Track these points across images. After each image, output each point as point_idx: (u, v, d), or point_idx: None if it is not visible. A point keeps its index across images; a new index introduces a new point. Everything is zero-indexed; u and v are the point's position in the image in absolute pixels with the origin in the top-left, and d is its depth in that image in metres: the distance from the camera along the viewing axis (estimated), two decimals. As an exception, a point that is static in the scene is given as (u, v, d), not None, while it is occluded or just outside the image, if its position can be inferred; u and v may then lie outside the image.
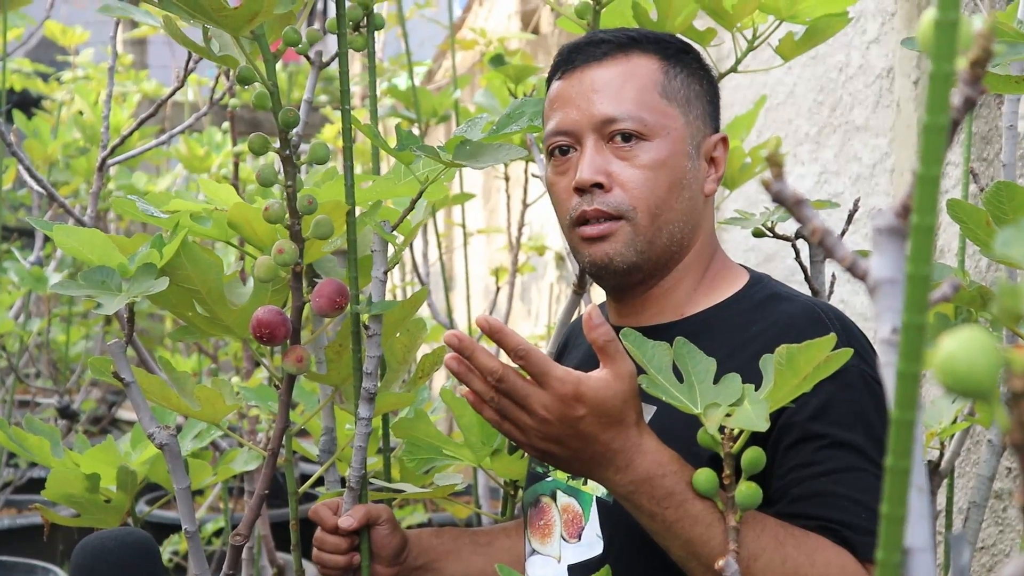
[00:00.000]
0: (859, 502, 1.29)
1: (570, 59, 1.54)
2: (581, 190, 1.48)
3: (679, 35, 1.71)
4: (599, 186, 1.47)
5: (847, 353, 1.14)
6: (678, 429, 1.36)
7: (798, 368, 1.13)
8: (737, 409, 1.16)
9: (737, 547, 1.16)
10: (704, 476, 1.19)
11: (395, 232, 1.52)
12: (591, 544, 1.48)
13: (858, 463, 1.31)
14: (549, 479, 1.57)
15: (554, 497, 1.55)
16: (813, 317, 1.41)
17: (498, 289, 3.91)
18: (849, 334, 1.39)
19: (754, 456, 1.16)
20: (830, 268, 1.92)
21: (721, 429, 1.16)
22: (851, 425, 1.32)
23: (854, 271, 0.59)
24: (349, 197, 1.46)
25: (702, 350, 1.44)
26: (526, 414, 1.26)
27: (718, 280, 1.54)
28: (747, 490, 1.16)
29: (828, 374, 1.15)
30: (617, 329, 1.57)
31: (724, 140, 1.55)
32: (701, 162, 1.52)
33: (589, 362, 1.59)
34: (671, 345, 1.47)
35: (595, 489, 1.48)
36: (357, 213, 1.49)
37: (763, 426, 1.12)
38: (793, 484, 1.31)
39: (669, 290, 1.53)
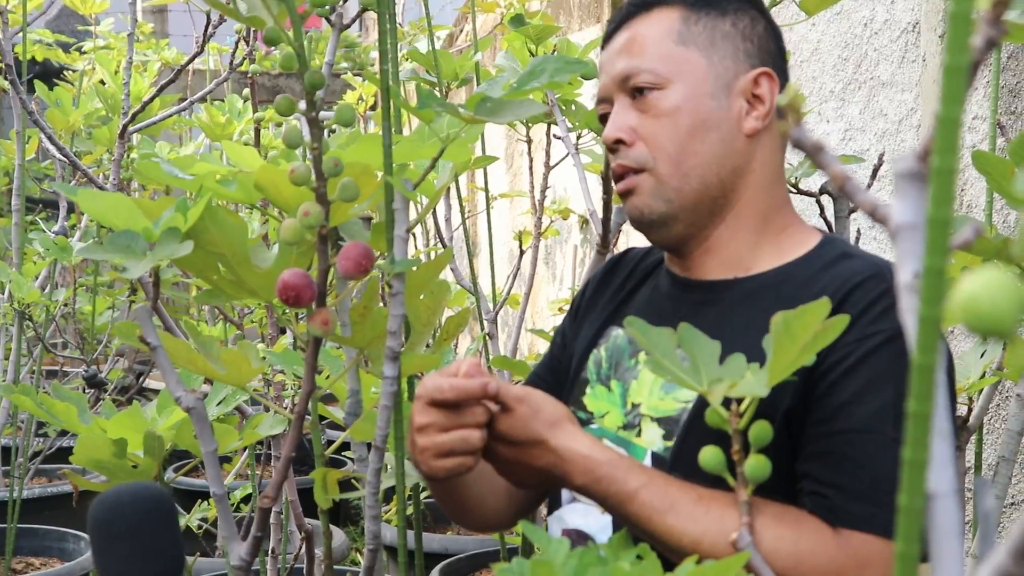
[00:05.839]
0: (863, 466, 1.29)
1: (608, 27, 1.58)
2: (612, 149, 1.51)
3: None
4: (623, 143, 1.49)
5: (844, 319, 1.13)
6: None
7: (795, 334, 1.13)
8: (740, 381, 1.16)
9: (750, 520, 1.17)
10: (710, 453, 1.19)
11: (417, 192, 1.52)
12: None
13: (876, 426, 1.30)
14: (594, 426, 1.55)
15: None
16: (875, 274, 1.39)
17: (522, 253, 3.91)
18: None
19: (761, 430, 1.16)
20: (855, 224, 1.91)
21: (728, 406, 1.16)
22: (882, 387, 1.31)
23: (875, 216, 0.59)
24: (387, 157, 1.46)
25: (769, 308, 1.43)
26: None
27: (786, 238, 1.51)
28: (756, 463, 1.16)
29: (828, 342, 1.14)
30: (681, 281, 1.56)
31: (767, 75, 1.49)
32: (733, 100, 1.48)
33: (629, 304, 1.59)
34: (739, 302, 1.47)
35: (651, 443, 1.47)
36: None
37: (764, 392, 1.14)
38: (809, 440, 1.32)
39: (727, 240, 1.51)
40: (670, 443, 1.45)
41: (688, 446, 1.43)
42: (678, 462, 1.43)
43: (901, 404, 1.30)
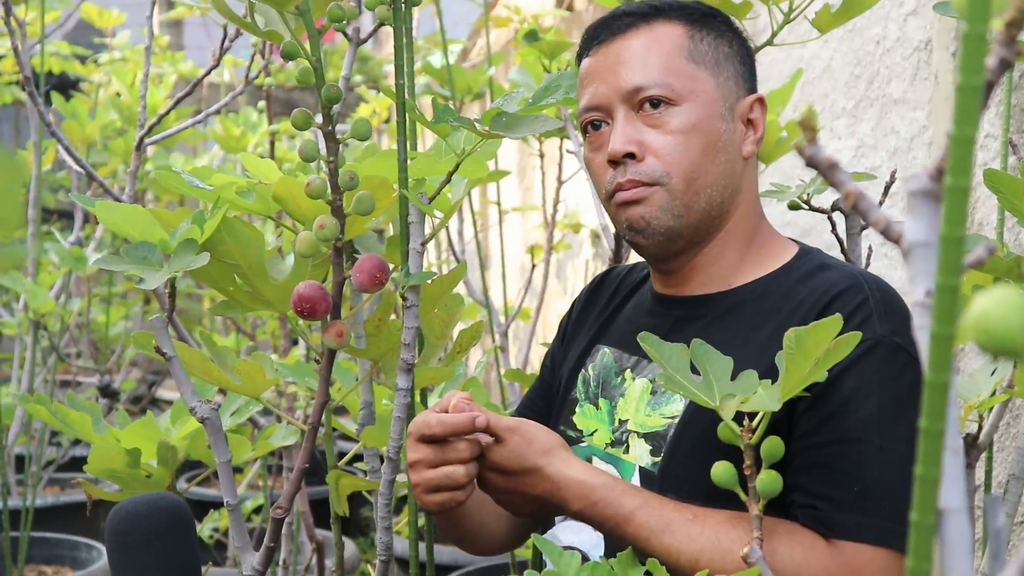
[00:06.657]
0: (853, 476, 1.30)
1: (596, 35, 1.54)
2: (615, 162, 1.48)
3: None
4: (631, 156, 1.47)
5: (856, 337, 1.14)
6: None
7: (807, 351, 1.13)
8: (752, 396, 1.17)
9: (761, 535, 1.17)
10: (722, 468, 1.20)
11: (432, 206, 1.53)
12: None
13: (863, 435, 1.31)
14: (583, 444, 1.56)
15: (589, 462, 1.54)
16: (853, 284, 1.40)
17: (533, 267, 3.91)
18: (887, 305, 1.38)
19: (773, 445, 1.17)
20: (866, 241, 1.91)
21: (740, 422, 1.17)
22: (866, 395, 1.32)
23: (888, 235, 0.59)
24: (402, 172, 1.47)
25: (750, 321, 1.45)
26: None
27: (765, 252, 1.52)
28: (768, 478, 1.16)
29: (840, 358, 1.15)
30: (663, 298, 1.57)
31: (760, 101, 1.52)
32: (736, 124, 1.50)
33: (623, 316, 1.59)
34: (720, 316, 1.48)
35: (639, 459, 1.48)
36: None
37: (776, 407, 1.14)
38: (798, 452, 1.33)
39: (714, 258, 1.52)
40: (657, 458, 1.46)
41: (675, 461, 1.44)
42: (666, 477, 1.44)
43: (886, 411, 1.31)
